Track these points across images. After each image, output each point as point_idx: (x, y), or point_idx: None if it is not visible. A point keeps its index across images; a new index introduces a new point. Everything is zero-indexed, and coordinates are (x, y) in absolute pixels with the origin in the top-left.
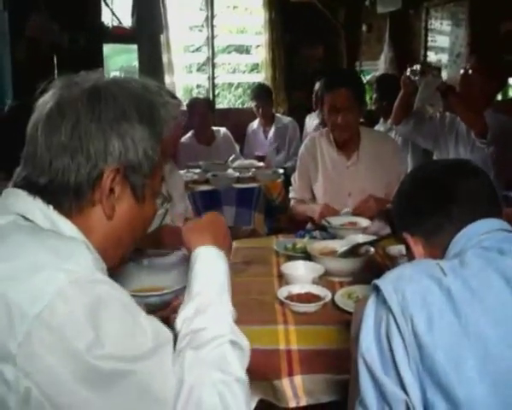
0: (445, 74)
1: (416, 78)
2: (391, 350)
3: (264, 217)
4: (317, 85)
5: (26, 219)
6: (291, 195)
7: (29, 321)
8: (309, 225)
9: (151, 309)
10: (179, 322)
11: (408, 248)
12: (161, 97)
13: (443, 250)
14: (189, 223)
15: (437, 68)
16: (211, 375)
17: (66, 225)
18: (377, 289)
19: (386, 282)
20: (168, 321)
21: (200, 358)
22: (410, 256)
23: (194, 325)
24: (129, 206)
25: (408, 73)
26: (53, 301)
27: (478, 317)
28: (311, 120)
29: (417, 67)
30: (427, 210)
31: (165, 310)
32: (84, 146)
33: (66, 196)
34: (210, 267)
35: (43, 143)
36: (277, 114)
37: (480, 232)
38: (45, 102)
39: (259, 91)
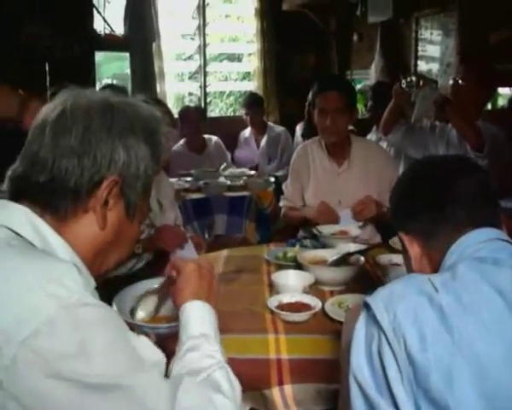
0: None
1: (412, 89)
2: (383, 368)
3: (255, 225)
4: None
5: (17, 233)
6: (282, 203)
7: (16, 345)
8: (300, 234)
9: (161, 339)
10: (172, 363)
11: (404, 248)
12: (164, 127)
13: (441, 254)
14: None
15: (434, 81)
16: (211, 397)
17: (55, 240)
18: (368, 307)
19: (376, 299)
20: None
21: (197, 382)
22: (406, 257)
23: (185, 361)
24: (119, 220)
25: (403, 85)
26: (41, 326)
27: (471, 332)
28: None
29: (413, 78)
30: (420, 206)
31: (173, 341)
32: (92, 150)
33: (64, 198)
34: (194, 319)
35: (50, 142)
36: (270, 123)
37: (478, 241)
38: (54, 106)
39: (249, 100)
